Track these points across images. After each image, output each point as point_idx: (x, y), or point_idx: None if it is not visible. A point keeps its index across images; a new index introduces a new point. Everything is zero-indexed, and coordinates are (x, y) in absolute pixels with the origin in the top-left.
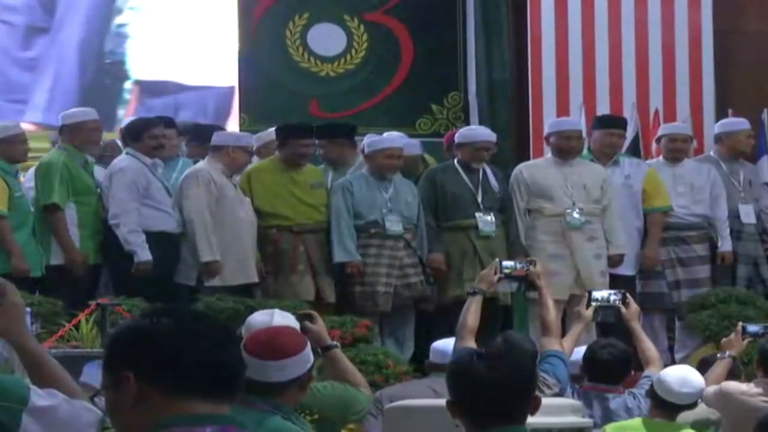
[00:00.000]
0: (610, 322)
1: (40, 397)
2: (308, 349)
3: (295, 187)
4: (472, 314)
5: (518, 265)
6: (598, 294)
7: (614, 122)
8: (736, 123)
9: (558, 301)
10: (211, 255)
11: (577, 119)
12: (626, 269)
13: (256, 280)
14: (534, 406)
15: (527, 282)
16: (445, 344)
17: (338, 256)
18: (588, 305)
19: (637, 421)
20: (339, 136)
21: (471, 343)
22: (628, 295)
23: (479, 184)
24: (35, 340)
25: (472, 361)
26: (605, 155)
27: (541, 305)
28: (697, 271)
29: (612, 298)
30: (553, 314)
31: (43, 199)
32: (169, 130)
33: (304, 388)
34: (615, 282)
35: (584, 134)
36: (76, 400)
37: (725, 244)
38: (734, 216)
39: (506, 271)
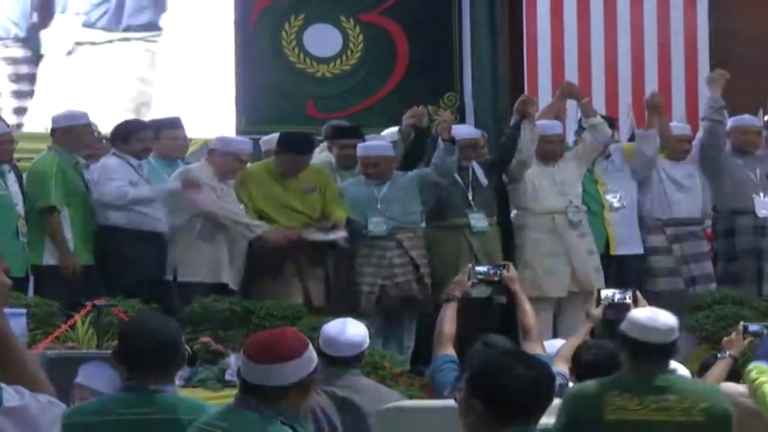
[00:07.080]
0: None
1: (12, 397)
2: (310, 351)
3: (286, 193)
4: (448, 321)
5: (491, 270)
6: (606, 292)
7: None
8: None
9: (550, 299)
10: (258, 227)
11: (558, 122)
12: (634, 248)
13: (226, 281)
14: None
15: (502, 286)
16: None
17: None
18: (597, 304)
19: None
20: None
21: (450, 351)
22: (638, 293)
23: (470, 183)
24: (6, 320)
25: (503, 361)
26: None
27: (519, 309)
28: (706, 267)
29: (617, 297)
30: (532, 318)
31: (40, 201)
32: (177, 131)
33: (308, 391)
34: (625, 262)
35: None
36: (41, 395)
37: None
38: (751, 211)
39: (479, 276)
